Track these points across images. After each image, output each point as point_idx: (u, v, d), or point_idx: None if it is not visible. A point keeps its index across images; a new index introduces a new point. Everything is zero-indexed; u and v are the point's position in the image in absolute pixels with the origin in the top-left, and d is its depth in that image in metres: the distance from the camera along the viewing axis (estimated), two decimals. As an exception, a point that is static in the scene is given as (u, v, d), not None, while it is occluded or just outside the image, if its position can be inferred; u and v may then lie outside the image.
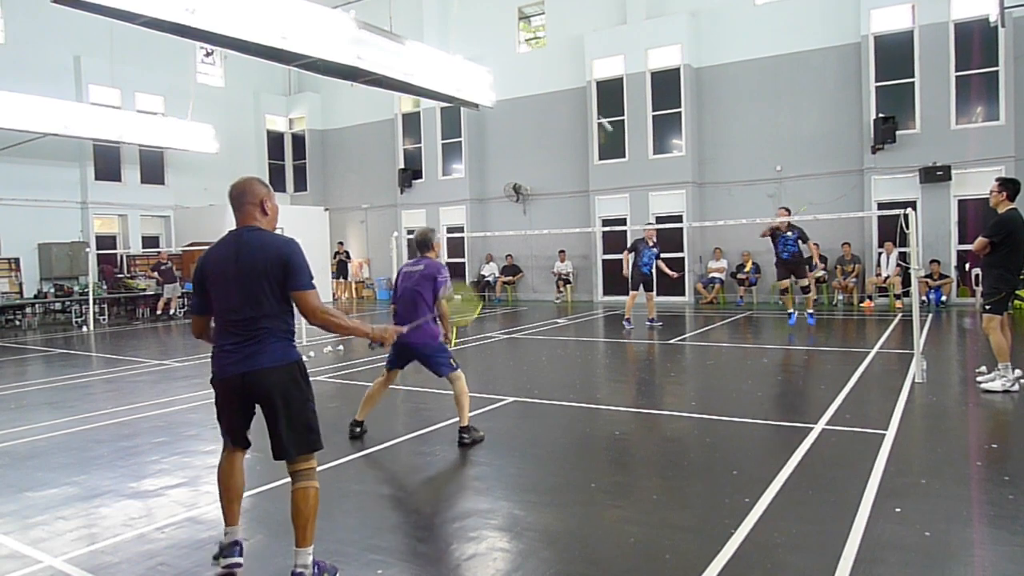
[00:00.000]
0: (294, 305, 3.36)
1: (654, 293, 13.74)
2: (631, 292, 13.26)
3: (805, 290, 12.60)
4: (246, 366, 3.25)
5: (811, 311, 12.44)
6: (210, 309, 3.41)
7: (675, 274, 14.06)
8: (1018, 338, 9.42)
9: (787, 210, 12.02)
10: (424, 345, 5.68)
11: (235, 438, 3.48)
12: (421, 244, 5.92)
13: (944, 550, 3.57)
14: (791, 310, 12.59)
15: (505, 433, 6.12)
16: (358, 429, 6.07)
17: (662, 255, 13.48)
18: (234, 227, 3.50)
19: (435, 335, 5.69)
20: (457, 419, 5.78)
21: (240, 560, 3.50)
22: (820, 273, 16.47)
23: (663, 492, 4.63)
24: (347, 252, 23.70)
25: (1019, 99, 14.74)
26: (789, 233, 11.93)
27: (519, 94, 20.41)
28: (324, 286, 23.33)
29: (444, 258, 22.27)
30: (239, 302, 3.28)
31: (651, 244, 13.18)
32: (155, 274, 18.68)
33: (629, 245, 13.56)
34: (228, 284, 3.30)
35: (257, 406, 3.38)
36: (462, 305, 6.31)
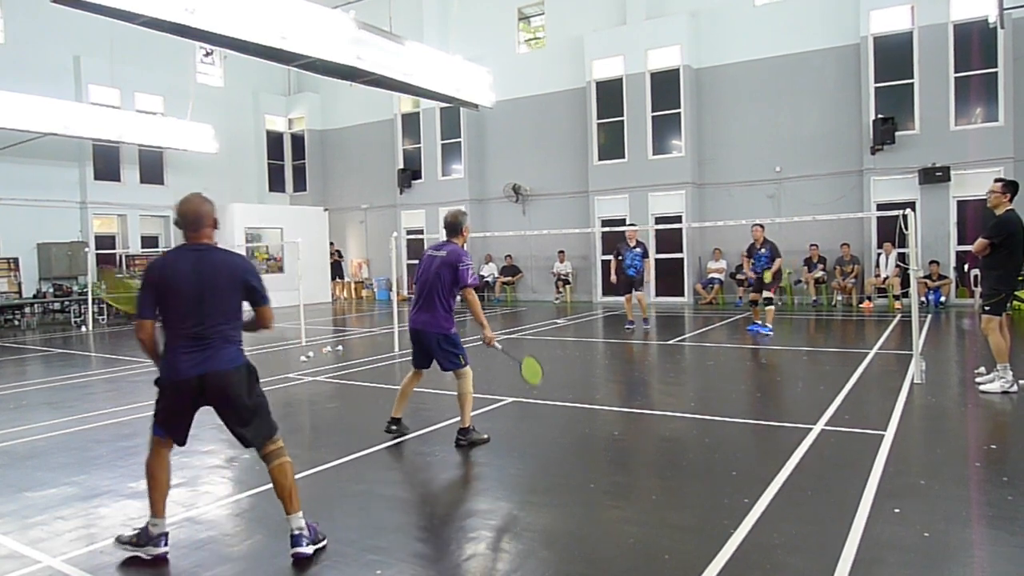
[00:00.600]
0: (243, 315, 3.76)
1: (643, 294, 13.44)
2: (623, 295, 13.30)
3: (768, 302, 11.95)
4: (204, 368, 3.55)
5: (768, 324, 11.75)
6: (160, 316, 3.65)
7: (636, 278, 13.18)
8: (1017, 339, 9.42)
9: (761, 227, 11.93)
10: (434, 334, 5.52)
11: (178, 435, 3.77)
12: (450, 227, 5.74)
13: (943, 551, 3.57)
14: (759, 321, 11.99)
15: (505, 433, 6.12)
16: (395, 427, 5.99)
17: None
18: (184, 242, 3.77)
19: (447, 325, 5.52)
20: (452, 420, 5.77)
21: (166, 550, 3.75)
22: (819, 274, 16.50)
23: (662, 492, 4.63)
24: (339, 252, 23.70)
25: (1018, 100, 14.76)
26: (763, 250, 11.90)
27: (519, 94, 20.42)
28: (324, 287, 23.34)
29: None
30: (202, 315, 3.58)
31: (633, 245, 13.01)
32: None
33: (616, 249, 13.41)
34: (190, 298, 3.58)
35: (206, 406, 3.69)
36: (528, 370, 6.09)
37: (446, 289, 5.53)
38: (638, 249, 13.01)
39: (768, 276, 11.76)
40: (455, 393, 5.72)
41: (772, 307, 11.98)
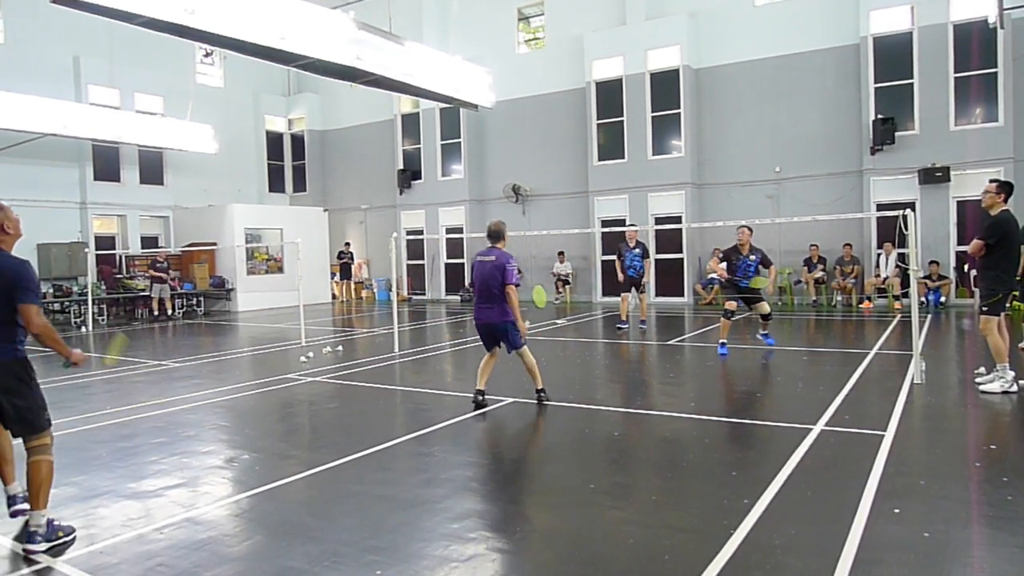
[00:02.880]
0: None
1: (644, 294, 13.49)
2: (622, 294, 13.30)
3: (766, 317, 10.40)
4: None
5: (766, 332, 10.54)
6: None
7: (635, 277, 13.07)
8: (1016, 339, 9.42)
9: (749, 229, 10.16)
10: (500, 323, 6.86)
11: None
12: (493, 235, 7.04)
13: (943, 551, 3.57)
14: (724, 340, 10.06)
15: (505, 433, 6.12)
16: (481, 397, 6.96)
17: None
18: None
19: (508, 315, 6.78)
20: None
21: (24, 507, 4.18)
22: (819, 274, 16.50)
23: (662, 493, 4.63)
24: (351, 254, 23.64)
25: (1018, 100, 14.76)
26: (752, 257, 10.06)
27: (519, 95, 20.42)
28: (323, 287, 23.34)
29: (443, 258, 22.33)
30: None
31: (632, 245, 12.98)
32: (150, 270, 18.67)
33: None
34: None
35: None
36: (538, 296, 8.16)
37: (499, 287, 6.74)
38: (637, 249, 13.00)
39: (759, 283, 10.02)
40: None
41: (728, 320, 10.17)
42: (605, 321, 15.17)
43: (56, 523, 4.04)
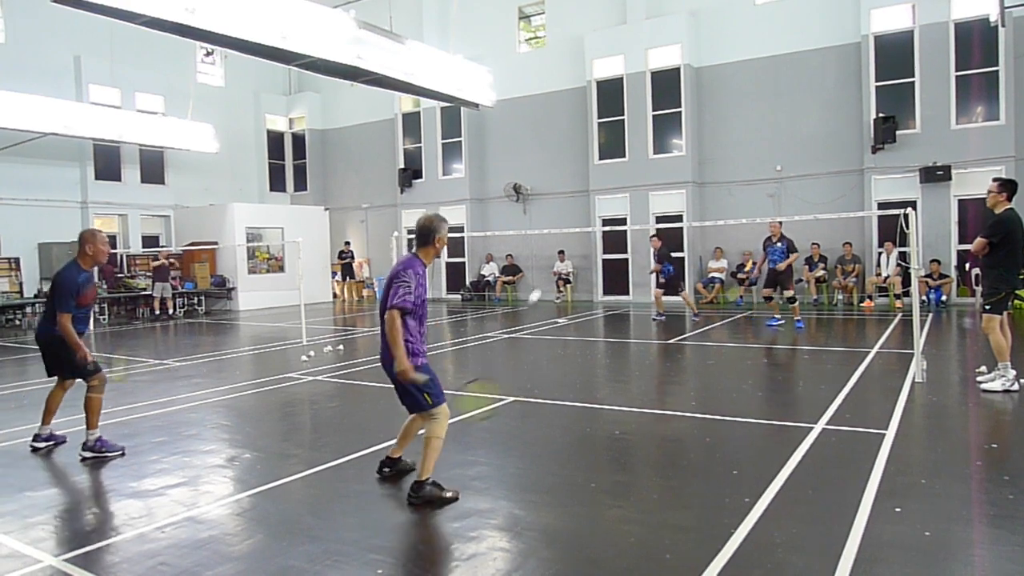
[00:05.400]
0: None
1: (686, 292, 15.11)
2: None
3: (791, 300, 12.65)
4: None
5: (798, 318, 12.56)
6: None
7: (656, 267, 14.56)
8: (1018, 338, 9.41)
9: (779, 223, 12.46)
10: (388, 359, 4.38)
11: None
12: (419, 236, 4.56)
13: (944, 550, 3.57)
14: (777, 315, 12.94)
15: (505, 433, 6.12)
16: (387, 469, 4.96)
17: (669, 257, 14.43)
18: None
19: (389, 359, 4.34)
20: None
21: (39, 445, 5.83)
22: (820, 273, 16.49)
23: (663, 492, 4.63)
24: (352, 253, 23.64)
25: (1019, 99, 14.73)
26: (780, 244, 12.34)
27: (519, 94, 20.40)
28: (324, 286, 23.35)
29: (444, 257, 22.23)
30: None
31: (658, 247, 14.23)
32: (152, 267, 18.69)
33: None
34: None
35: None
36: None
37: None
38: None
39: (790, 262, 12.34)
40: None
41: (796, 303, 12.65)
42: (606, 320, 15.17)
43: (105, 441, 5.61)
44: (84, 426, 5.66)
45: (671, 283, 14.11)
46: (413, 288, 4.30)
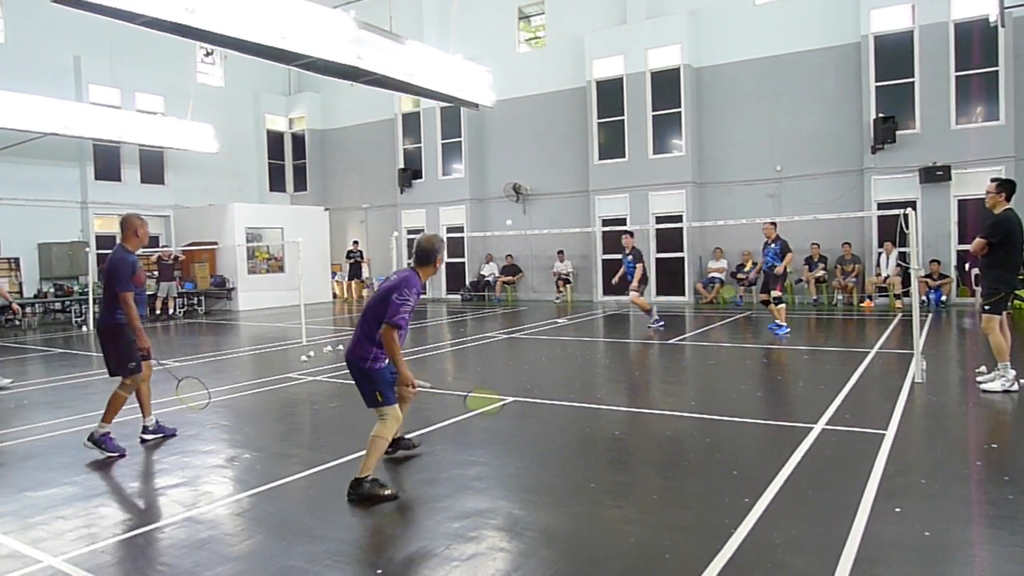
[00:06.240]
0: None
1: (636, 294, 13.13)
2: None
3: (764, 303, 12.24)
4: None
5: (779, 322, 11.65)
6: None
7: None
8: (1017, 338, 9.41)
9: (773, 224, 11.98)
10: (351, 362, 4.69)
11: None
12: (419, 256, 4.86)
13: (944, 550, 3.57)
14: (779, 321, 11.76)
15: (505, 433, 6.12)
16: (390, 448, 5.24)
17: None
18: None
19: (365, 355, 4.63)
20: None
21: (147, 437, 6.05)
22: (820, 273, 16.50)
23: (663, 492, 4.63)
24: (360, 252, 23.60)
25: (1019, 99, 14.74)
26: (773, 245, 11.91)
27: (519, 94, 20.40)
28: (324, 286, 23.35)
29: (444, 257, 22.19)
30: None
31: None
32: (155, 266, 18.68)
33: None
34: None
35: None
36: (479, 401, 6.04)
37: (378, 318, 4.58)
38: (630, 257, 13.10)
39: (785, 265, 11.84)
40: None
41: (783, 305, 11.94)
42: (606, 320, 15.17)
43: (110, 439, 5.67)
44: (101, 420, 5.77)
45: (629, 280, 13.00)
46: (411, 307, 4.60)
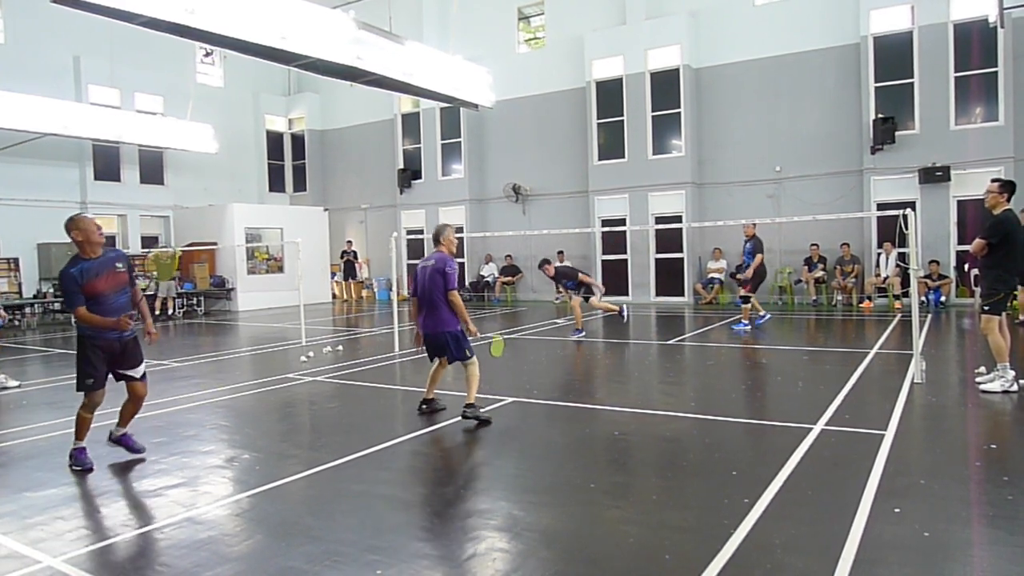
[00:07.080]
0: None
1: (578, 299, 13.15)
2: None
3: (744, 300, 12.73)
4: None
5: (744, 321, 12.54)
6: None
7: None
8: (1017, 339, 9.42)
9: (752, 224, 12.43)
10: (440, 333, 6.32)
11: None
12: (434, 239, 6.59)
13: (943, 550, 3.57)
14: (762, 312, 13.04)
15: (505, 433, 6.12)
16: (425, 406, 6.78)
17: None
18: None
19: (450, 323, 6.29)
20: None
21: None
22: (819, 274, 16.50)
23: (663, 492, 4.63)
24: (355, 252, 23.61)
25: (1018, 99, 14.75)
26: (748, 245, 12.33)
27: (519, 94, 20.41)
28: (323, 286, 23.34)
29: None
30: None
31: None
32: (155, 267, 18.68)
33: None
34: None
35: None
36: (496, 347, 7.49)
37: (441, 292, 6.26)
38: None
39: (753, 267, 12.30)
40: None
41: (747, 305, 12.56)
42: (605, 321, 15.17)
43: (82, 455, 5.46)
44: (116, 422, 5.80)
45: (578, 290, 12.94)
46: (456, 274, 6.41)
